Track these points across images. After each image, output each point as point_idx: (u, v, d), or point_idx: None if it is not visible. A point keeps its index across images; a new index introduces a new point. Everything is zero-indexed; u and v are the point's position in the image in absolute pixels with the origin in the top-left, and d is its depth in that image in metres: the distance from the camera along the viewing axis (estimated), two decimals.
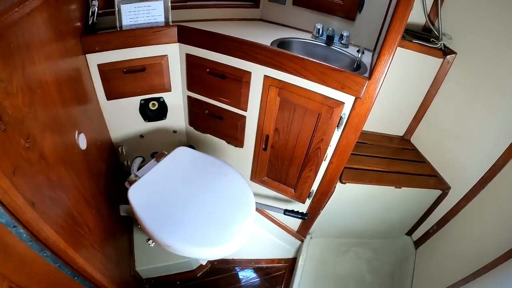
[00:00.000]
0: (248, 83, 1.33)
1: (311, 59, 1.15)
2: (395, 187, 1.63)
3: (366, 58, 1.41)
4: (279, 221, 1.84)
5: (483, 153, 1.53)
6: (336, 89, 1.16)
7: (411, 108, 1.84)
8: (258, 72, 1.29)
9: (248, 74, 1.31)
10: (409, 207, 1.82)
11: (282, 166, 1.51)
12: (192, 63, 1.43)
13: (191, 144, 1.79)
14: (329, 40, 1.49)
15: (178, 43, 1.41)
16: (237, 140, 1.56)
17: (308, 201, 1.60)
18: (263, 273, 1.80)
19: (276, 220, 1.85)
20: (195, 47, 1.38)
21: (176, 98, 1.58)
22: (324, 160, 1.38)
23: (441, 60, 1.67)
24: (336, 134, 1.28)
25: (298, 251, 1.89)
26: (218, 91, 1.44)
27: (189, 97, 1.56)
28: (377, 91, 1.11)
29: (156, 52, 1.39)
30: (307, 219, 1.51)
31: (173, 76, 1.50)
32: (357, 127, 1.21)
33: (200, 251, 1.15)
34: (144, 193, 1.28)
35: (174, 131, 1.71)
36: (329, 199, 1.57)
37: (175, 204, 1.47)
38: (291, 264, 1.86)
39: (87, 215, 1.12)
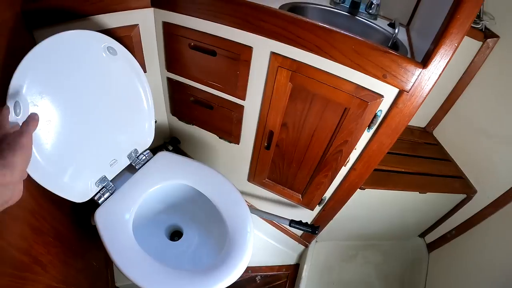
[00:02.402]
0: (247, 63, 0.91)
1: (343, 31, 0.74)
2: (420, 192, 1.28)
3: (400, 35, 1.01)
4: (279, 224, 1.48)
5: None
6: (375, 77, 0.76)
7: (438, 96, 1.45)
8: (262, 48, 0.87)
9: (248, 50, 0.89)
10: (428, 211, 1.49)
11: (289, 169, 1.13)
12: (171, 34, 0.99)
13: (175, 136, 1.38)
14: (354, 8, 1.06)
15: (152, 8, 0.97)
16: (231, 136, 1.16)
17: (317, 208, 1.24)
18: (262, 282, 1.47)
19: (276, 224, 1.49)
20: (174, 13, 0.94)
21: (154, 81, 1.15)
22: (345, 166, 1.00)
23: (480, 43, 1.28)
24: (365, 136, 0.89)
25: (301, 257, 1.55)
26: (207, 72, 1.02)
27: (169, 80, 1.13)
28: (432, 84, 0.72)
29: (123, 21, 0.94)
30: (318, 233, 1.15)
31: (148, 53, 1.06)
32: (396, 130, 0.83)
33: None
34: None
35: (155, 121, 1.29)
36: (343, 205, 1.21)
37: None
38: (293, 271, 1.53)
39: (38, 248, 0.76)
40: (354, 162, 0.98)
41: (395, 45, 0.93)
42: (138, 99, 0.97)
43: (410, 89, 0.74)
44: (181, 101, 1.17)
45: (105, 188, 0.94)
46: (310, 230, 1.13)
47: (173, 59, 1.06)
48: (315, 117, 0.91)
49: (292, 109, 0.94)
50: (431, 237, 1.64)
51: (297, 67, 0.83)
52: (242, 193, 1.45)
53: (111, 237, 0.87)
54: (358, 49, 0.73)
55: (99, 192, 0.93)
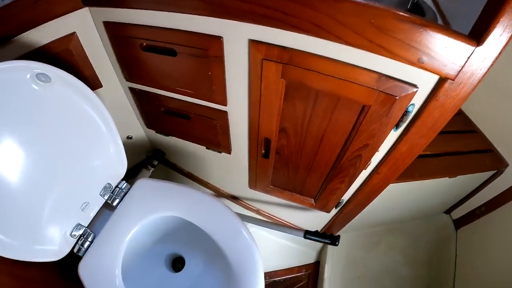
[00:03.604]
0: (219, 59, 0.64)
1: None
2: (449, 177, 1.06)
3: None
4: (293, 224, 1.27)
5: None
6: (406, 61, 0.48)
7: None
8: (235, 36, 0.59)
9: (216, 42, 0.61)
10: (455, 191, 1.28)
11: (296, 175, 0.89)
12: (117, 36, 0.72)
13: (158, 148, 1.14)
14: None
15: (86, 7, 0.69)
16: (220, 146, 0.91)
17: (334, 210, 1.01)
18: (282, 287, 1.29)
19: (289, 224, 1.28)
20: (114, 9, 0.66)
21: (115, 94, 0.89)
22: (365, 169, 0.76)
23: None
24: (392, 136, 0.64)
25: (321, 253, 1.36)
26: (172, 77, 0.75)
27: (132, 90, 0.87)
28: (489, 67, 0.45)
29: (55, 33, 0.68)
30: (338, 243, 0.94)
31: (98, 64, 0.79)
32: (434, 128, 0.57)
33: None
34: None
35: (129, 137, 1.04)
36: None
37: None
38: (313, 270, 1.34)
39: None
40: (377, 165, 0.74)
41: (418, 8, 0.65)
42: (93, 125, 0.73)
43: (457, 75, 0.47)
44: (151, 113, 0.91)
45: (83, 236, 0.75)
46: (330, 242, 0.92)
47: (129, 66, 0.79)
48: (323, 119, 0.66)
49: (290, 111, 0.68)
50: (458, 213, 1.43)
51: (290, 57, 0.56)
52: (245, 199, 1.23)
53: None
54: (379, 23, 0.46)
55: (77, 243, 0.75)
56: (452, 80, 0.48)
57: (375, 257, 1.38)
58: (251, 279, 0.71)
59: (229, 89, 0.70)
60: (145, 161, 1.12)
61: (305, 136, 0.72)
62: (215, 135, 0.86)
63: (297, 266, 1.34)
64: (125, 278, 0.74)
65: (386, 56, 0.49)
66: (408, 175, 0.97)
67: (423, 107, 0.55)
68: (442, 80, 0.49)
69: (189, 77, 0.72)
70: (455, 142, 1.16)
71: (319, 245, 1.34)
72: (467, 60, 0.45)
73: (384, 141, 0.65)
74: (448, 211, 1.47)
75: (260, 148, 0.82)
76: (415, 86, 0.52)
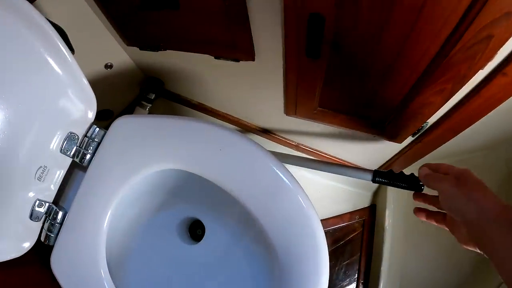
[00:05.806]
0: None
1: None
2: None
3: None
4: (343, 160, 1.00)
5: None
6: None
7: None
8: None
9: None
10: None
11: (361, 86, 0.59)
12: None
13: (153, 75, 0.86)
14: None
15: None
16: (235, 48, 0.60)
17: (408, 140, 0.73)
18: (331, 240, 1.10)
19: (338, 160, 1.00)
20: None
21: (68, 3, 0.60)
22: (482, 69, 0.45)
23: None
24: None
25: (377, 194, 1.12)
26: None
27: None
28: None
29: None
30: (423, 189, 0.65)
31: None
32: None
33: None
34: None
35: (108, 65, 0.76)
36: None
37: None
38: (368, 216, 1.12)
39: None
40: (503, 60, 0.43)
41: None
42: (31, 51, 0.48)
43: None
44: (125, 16, 0.61)
45: (49, 217, 0.55)
46: (411, 187, 0.62)
47: None
48: None
49: None
50: None
51: None
52: (280, 131, 0.96)
53: None
54: None
55: (43, 227, 0.55)
56: None
57: None
58: (310, 266, 0.48)
59: None
60: (140, 97, 0.86)
61: (390, 9, 0.40)
62: (226, 28, 0.54)
63: (349, 212, 1.12)
64: (120, 262, 0.57)
65: None
66: None
67: None
68: None
69: None
70: None
71: (374, 185, 1.09)
72: None
73: None
74: None
75: (303, 38, 0.50)
76: None
